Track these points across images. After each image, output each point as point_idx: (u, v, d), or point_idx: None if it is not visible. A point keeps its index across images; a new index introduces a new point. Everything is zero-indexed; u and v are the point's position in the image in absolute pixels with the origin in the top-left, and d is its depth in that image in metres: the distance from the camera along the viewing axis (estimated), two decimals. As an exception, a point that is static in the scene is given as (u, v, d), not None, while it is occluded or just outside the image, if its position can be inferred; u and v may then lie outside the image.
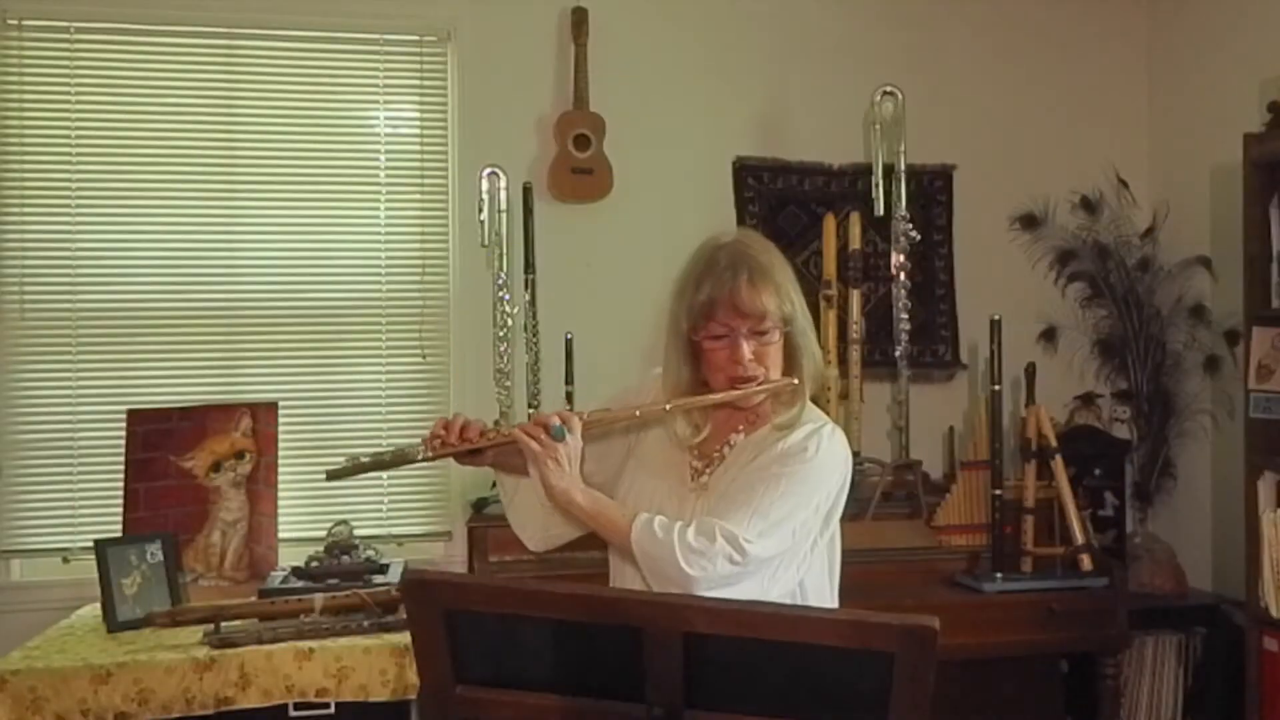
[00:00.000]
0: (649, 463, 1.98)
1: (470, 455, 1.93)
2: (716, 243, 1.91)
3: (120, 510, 3.19)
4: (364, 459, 1.91)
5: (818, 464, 1.85)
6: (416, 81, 3.64)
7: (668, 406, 1.89)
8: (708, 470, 1.92)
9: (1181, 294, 3.89)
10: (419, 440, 1.91)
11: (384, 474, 3.54)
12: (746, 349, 1.85)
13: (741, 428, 1.94)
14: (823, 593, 1.91)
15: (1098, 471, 3.77)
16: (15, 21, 3.41)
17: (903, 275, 3.63)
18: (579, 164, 3.62)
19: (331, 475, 1.92)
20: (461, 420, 1.90)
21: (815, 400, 1.99)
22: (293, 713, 2.67)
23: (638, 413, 1.91)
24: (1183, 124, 3.97)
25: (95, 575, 2.96)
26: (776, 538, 1.78)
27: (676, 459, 1.95)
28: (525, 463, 1.95)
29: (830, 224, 3.64)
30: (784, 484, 1.81)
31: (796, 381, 1.89)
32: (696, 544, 1.74)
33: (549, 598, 1.40)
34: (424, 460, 1.90)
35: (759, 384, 1.87)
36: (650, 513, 1.83)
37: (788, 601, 1.83)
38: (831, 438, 1.89)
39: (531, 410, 3.41)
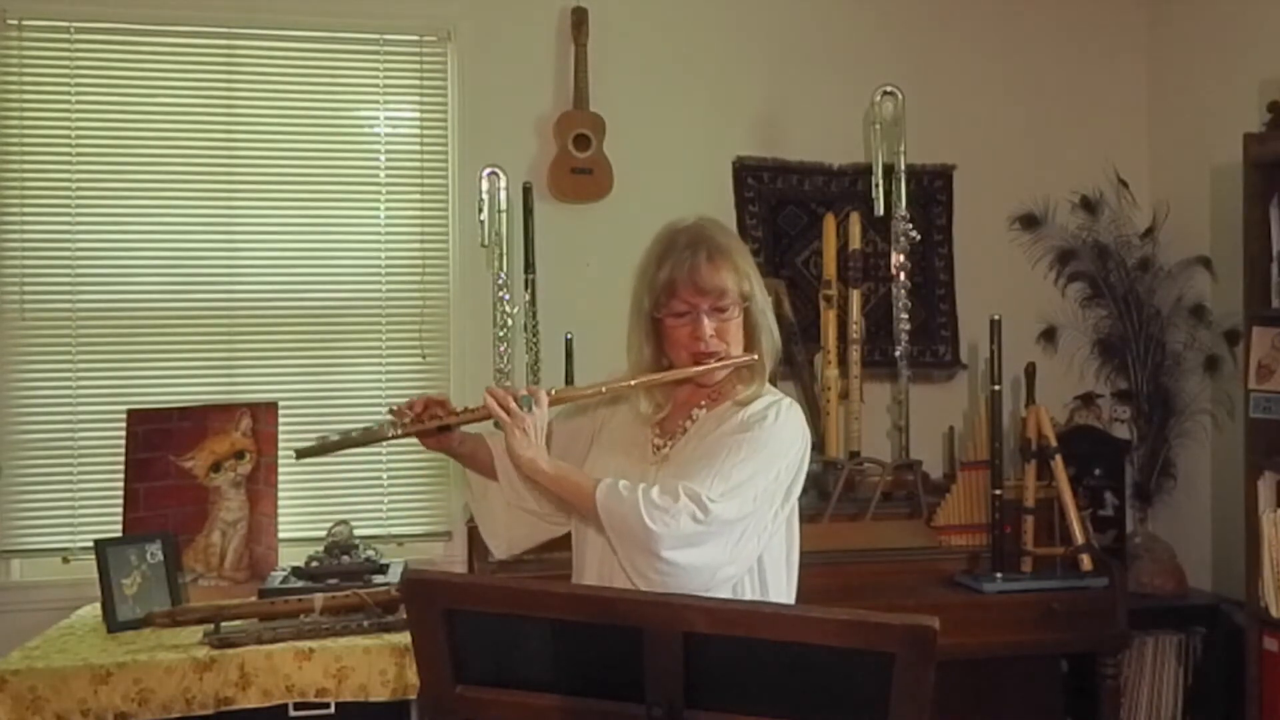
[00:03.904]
0: (613, 441, 2.02)
1: (439, 433, 1.97)
2: (676, 226, 1.97)
3: (120, 510, 3.19)
4: (333, 437, 1.97)
5: (777, 431, 1.90)
6: (416, 81, 3.64)
7: (633, 383, 1.95)
8: (669, 444, 1.96)
9: (1181, 294, 3.89)
10: (388, 417, 1.96)
11: (384, 474, 3.56)
12: (708, 325, 1.90)
13: (704, 403, 1.98)
14: (779, 572, 1.95)
15: (1098, 471, 3.77)
16: (15, 21, 3.41)
17: (903, 275, 3.63)
18: (579, 164, 3.62)
19: (301, 454, 1.98)
20: (429, 396, 1.96)
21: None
22: (293, 713, 2.67)
23: (604, 388, 1.98)
24: (1183, 124, 3.97)
25: (95, 575, 2.96)
26: (739, 500, 1.82)
27: (639, 436, 2.00)
28: (494, 462, 2.01)
29: (830, 224, 3.64)
30: (745, 449, 1.86)
31: (756, 357, 1.95)
32: (660, 501, 1.77)
33: (549, 598, 1.40)
34: (393, 437, 1.96)
35: (720, 360, 1.92)
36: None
37: (745, 579, 1.88)
38: (790, 410, 1.95)
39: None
